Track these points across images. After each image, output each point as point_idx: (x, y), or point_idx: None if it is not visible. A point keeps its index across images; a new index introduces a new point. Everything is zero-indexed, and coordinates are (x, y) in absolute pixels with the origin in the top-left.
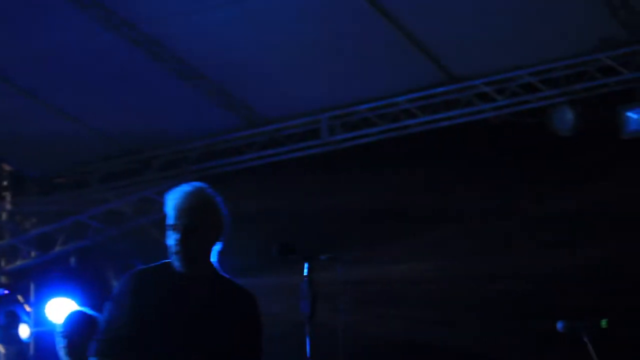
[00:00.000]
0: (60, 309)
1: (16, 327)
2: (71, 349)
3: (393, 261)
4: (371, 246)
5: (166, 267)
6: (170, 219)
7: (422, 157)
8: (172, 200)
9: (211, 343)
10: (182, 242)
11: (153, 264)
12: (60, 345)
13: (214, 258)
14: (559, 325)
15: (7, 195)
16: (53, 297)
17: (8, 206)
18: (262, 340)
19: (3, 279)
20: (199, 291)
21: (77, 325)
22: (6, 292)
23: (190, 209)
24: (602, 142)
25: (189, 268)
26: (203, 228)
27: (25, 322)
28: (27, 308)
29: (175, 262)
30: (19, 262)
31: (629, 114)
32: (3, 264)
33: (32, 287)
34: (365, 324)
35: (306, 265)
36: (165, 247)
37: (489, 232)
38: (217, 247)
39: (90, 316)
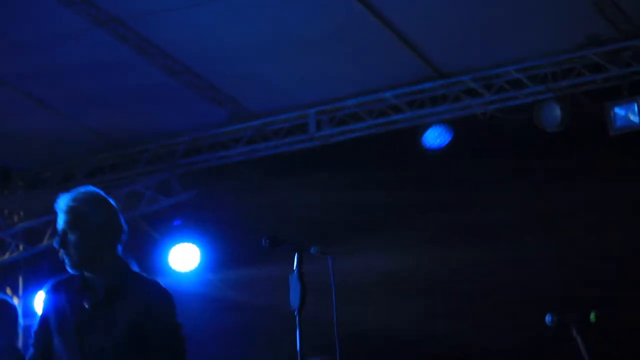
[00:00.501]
0: None
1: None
2: None
3: (382, 253)
4: (360, 239)
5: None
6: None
7: (410, 152)
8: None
9: (106, 340)
10: (61, 246)
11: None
12: None
13: (114, 256)
14: (548, 319)
15: None
16: (41, 290)
17: None
18: (176, 325)
19: None
20: (92, 292)
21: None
22: None
23: (67, 212)
24: (589, 139)
25: (79, 270)
26: (82, 230)
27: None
28: (16, 301)
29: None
30: (7, 256)
31: (617, 110)
32: None
33: (20, 280)
34: (357, 315)
35: (296, 257)
36: (154, 240)
37: (476, 225)
38: (114, 245)
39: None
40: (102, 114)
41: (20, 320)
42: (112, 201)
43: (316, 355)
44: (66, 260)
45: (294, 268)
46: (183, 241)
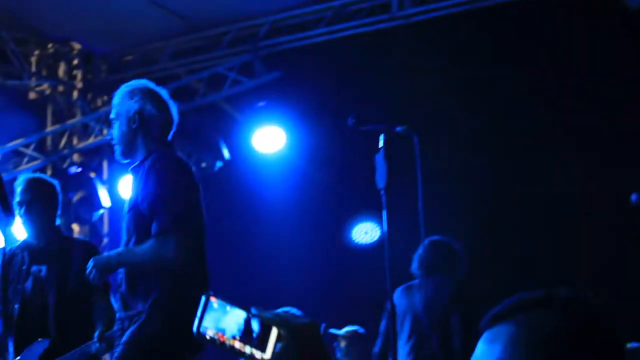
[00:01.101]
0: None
1: (89, 206)
2: None
3: (466, 135)
4: (444, 120)
5: None
6: None
7: (490, 28)
8: None
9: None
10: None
11: None
12: None
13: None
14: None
15: (78, 74)
16: (126, 174)
17: (78, 84)
18: None
19: (75, 157)
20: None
21: None
22: (79, 170)
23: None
24: None
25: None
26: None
27: (101, 197)
28: (100, 186)
29: None
30: (91, 140)
31: None
32: (75, 142)
33: (104, 164)
34: (441, 197)
35: (382, 136)
36: (238, 122)
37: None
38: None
39: None
40: None
41: (60, 198)
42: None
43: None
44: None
45: (380, 147)
46: (267, 123)
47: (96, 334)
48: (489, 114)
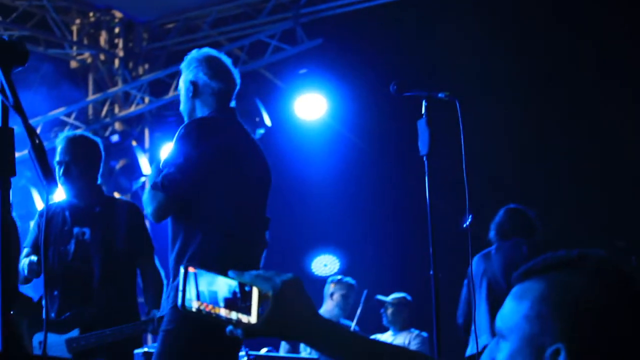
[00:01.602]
0: None
1: (130, 174)
2: None
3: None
4: (490, 87)
5: None
6: None
7: None
8: None
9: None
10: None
11: None
12: None
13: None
14: None
15: (119, 42)
16: (168, 142)
17: (120, 53)
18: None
19: (117, 126)
20: None
21: None
22: (120, 138)
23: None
24: None
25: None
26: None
27: (142, 165)
28: (142, 154)
29: None
30: (133, 109)
31: None
32: (116, 110)
33: (146, 132)
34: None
35: (424, 102)
36: (280, 90)
37: None
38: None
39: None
40: None
41: (103, 156)
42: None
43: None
44: None
45: (422, 113)
46: (308, 90)
47: (153, 312)
48: (534, 79)
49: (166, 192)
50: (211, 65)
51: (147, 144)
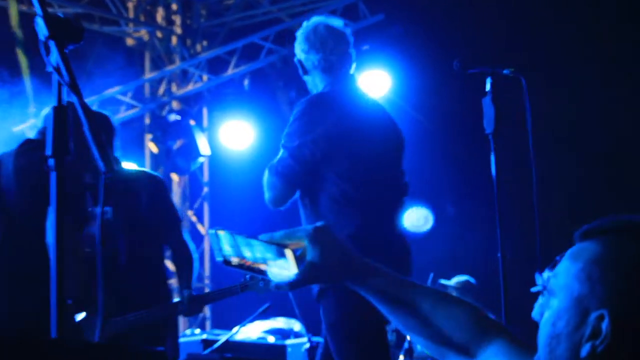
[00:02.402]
0: (234, 132)
1: (188, 154)
2: None
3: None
4: (558, 66)
5: None
6: None
7: None
8: None
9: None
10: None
11: None
12: None
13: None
14: None
15: (177, 19)
16: (227, 121)
17: (177, 30)
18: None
19: (175, 105)
20: None
21: None
22: (178, 117)
23: None
24: None
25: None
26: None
27: (200, 145)
28: (200, 134)
29: None
30: (190, 87)
31: None
32: (175, 89)
33: (204, 111)
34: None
35: (489, 79)
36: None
37: None
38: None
39: None
40: None
41: (115, 130)
42: None
43: None
44: None
45: (487, 91)
46: (371, 66)
47: (185, 293)
48: (601, 57)
49: (280, 179)
50: (308, 38)
51: (205, 123)
